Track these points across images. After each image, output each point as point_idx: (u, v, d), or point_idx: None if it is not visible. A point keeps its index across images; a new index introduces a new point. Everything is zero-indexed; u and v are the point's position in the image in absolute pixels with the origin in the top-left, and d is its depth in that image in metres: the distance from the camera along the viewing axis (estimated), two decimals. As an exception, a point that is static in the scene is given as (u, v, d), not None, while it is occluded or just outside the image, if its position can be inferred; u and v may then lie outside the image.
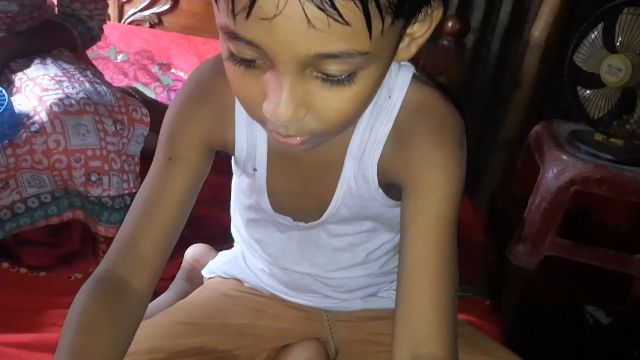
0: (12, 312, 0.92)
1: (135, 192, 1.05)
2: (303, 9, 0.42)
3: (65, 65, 1.17)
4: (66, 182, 1.03)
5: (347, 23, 0.43)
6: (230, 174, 0.76)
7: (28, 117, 1.01)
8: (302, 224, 0.71)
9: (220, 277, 0.84)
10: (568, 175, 1.49)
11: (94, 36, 1.37)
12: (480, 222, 1.40)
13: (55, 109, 1.01)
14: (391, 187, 0.65)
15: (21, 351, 0.83)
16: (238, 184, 0.76)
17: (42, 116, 1.00)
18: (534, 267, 1.56)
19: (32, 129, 0.99)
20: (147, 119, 1.09)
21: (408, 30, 0.51)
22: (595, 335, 1.48)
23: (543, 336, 1.38)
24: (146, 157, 1.08)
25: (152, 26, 2.10)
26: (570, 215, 1.53)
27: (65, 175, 1.02)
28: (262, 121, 0.52)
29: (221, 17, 0.46)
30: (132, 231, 0.63)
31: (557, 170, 1.51)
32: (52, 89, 1.05)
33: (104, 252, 1.07)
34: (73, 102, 1.03)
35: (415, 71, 0.62)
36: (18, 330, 0.87)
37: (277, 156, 0.66)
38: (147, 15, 2.08)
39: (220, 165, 0.74)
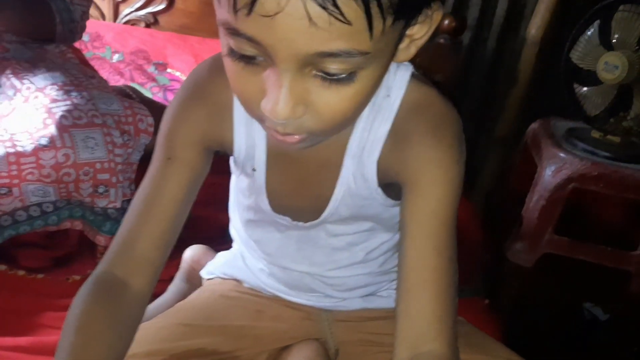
0: (10, 314, 0.91)
1: (131, 199, 1.06)
2: (305, 7, 0.42)
3: (73, 71, 1.16)
4: (71, 193, 1.03)
5: (348, 22, 0.43)
6: (226, 174, 0.76)
7: (37, 129, 1.01)
8: (301, 223, 0.71)
9: (220, 278, 0.84)
10: (565, 172, 1.49)
11: (75, 21, 1.29)
12: (478, 220, 1.40)
13: (64, 122, 1.01)
14: (390, 186, 0.65)
15: (19, 354, 0.82)
16: (237, 184, 0.75)
17: (52, 130, 1.00)
18: (531, 264, 1.56)
19: (42, 142, 0.98)
20: (152, 129, 1.09)
21: (408, 32, 0.51)
22: (593, 331, 1.48)
23: (541, 334, 1.38)
24: (143, 159, 1.08)
25: (147, 26, 2.09)
26: (568, 213, 1.53)
27: (71, 187, 1.02)
28: (260, 119, 0.52)
29: (222, 12, 0.46)
30: (130, 232, 0.62)
31: (554, 168, 1.51)
32: (60, 100, 1.05)
33: (102, 254, 1.07)
34: (82, 114, 1.03)
35: (413, 70, 0.62)
36: (16, 334, 0.87)
37: (276, 156, 0.66)
38: (143, 15, 2.07)
39: (216, 165, 0.74)
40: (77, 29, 1.31)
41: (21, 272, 1.02)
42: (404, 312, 0.59)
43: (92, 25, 1.99)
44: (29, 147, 0.98)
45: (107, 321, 0.58)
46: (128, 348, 0.61)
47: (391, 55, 0.51)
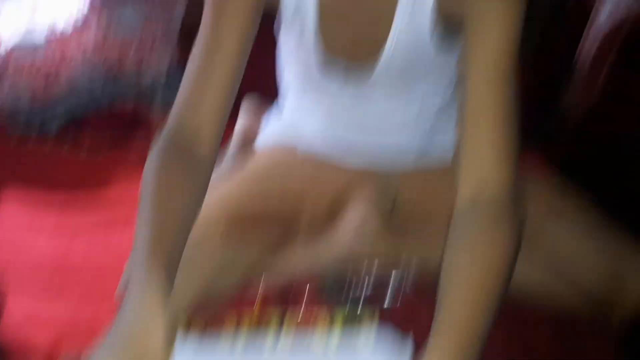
0: (79, 193, 0.97)
1: (175, 67, 1.07)
2: None
3: None
4: (116, 73, 1.06)
5: None
6: (270, 47, 0.74)
7: (72, 15, 1.03)
8: (353, 78, 0.70)
9: (274, 146, 0.86)
10: (622, 13, 1.40)
11: None
12: (530, 65, 1.35)
13: (96, 3, 1.03)
14: (446, 34, 0.63)
15: (97, 229, 0.89)
16: (284, 49, 0.74)
17: (86, 13, 1.02)
18: (591, 105, 1.52)
19: (79, 24, 1.01)
20: None
21: None
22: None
23: (603, 174, 1.36)
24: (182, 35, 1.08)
25: None
26: (625, 54, 1.46)
27: (115, 66, 1.05)
28: None
29: None
30: (195, 85, 0.62)
31: (610, 9, 1.42)
32: None
33: (158, 128, 1.10)
34: None
35: None
36: (89, 210, 0.92)
37: (327, 6, 0.64)
38: None
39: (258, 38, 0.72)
40: None
41: (83, 154, 1.06)
42: (467, 153, 0.58)
43: None
44: (68, 33, 1.01)
45: (181, 187, 0.59)
46: (200, 207, 0.62)
47: None
